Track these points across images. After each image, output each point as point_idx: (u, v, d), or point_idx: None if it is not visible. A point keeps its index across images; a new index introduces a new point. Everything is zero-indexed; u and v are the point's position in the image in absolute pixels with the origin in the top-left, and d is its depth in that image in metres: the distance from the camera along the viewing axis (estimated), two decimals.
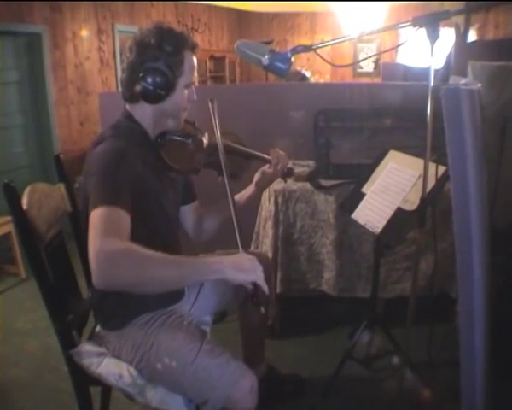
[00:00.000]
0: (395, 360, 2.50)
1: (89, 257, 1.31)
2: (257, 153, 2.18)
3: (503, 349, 2.13)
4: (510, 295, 2.45)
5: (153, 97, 1.72)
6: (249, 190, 2.20)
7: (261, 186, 2.21)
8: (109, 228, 1.38)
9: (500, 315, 2.11)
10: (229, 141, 2.09)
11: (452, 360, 1.84)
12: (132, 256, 1.33)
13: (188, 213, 2.16)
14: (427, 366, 2.41)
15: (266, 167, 2.17)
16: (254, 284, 1.49)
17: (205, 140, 1.97)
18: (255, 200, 2.29)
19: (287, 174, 2.20)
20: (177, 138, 1.87)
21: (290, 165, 2.21)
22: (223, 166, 1.82)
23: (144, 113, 1.78)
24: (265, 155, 2.17)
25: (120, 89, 1.82)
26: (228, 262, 1.46)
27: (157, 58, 1.68)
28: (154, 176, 1.76)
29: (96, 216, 1.41)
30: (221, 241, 2.11)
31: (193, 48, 1.77)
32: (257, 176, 2.18)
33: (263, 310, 1.60)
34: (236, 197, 2.12)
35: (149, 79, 1.68)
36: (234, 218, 1.72)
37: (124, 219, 1.44)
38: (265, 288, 1.50)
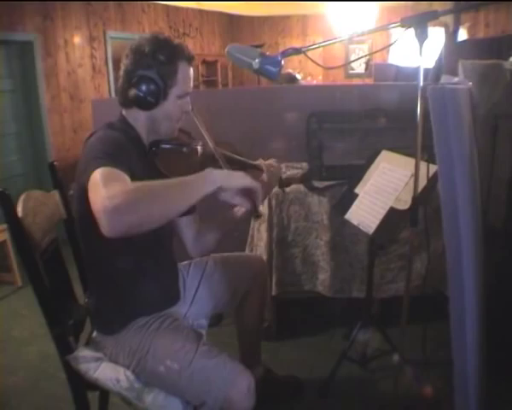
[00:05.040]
0: (395, 358, 2.51)
1: (94, 212, 1.29)
2: (251, 162, 2.15)
3: (498, 347, 2.15)
4: (506, 292, 2.47)
5: (144, 104, 1.74)
6: None
7: None
8: (110, 179, 1.37)
9: (496, 313, 2.12)
10: (225, 151, 2.07)
11: (447, 359, 1.85)
12: (136, 194, 1.32)
13: (186, 224, 2.09)
14: (422, 365, 2.42)
15: (262, 178, 2.12)
16: (250, 193, 1.53)
17: (199, 149, 1.97)
18: None
19: (285, 183, 2.19)
20: (172, 147, 1.87)
21: (283, 174, 2.18)
22: (216, 156, 1.80)
23: (138, 119, 1.81)
24: (259, 164, 2.12)
25: (116, 94, 1.84)
26: (217, 172, 1.47)
27: (150, 66, 1.70)
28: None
29: (97, 174, 1.39)
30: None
31: (189, 59, 1.79)
32: None
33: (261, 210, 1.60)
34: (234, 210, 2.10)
35: (141, 86, 1.71)
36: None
37: (124, 175, 1.42)
38: (261, 192, 1.54)
